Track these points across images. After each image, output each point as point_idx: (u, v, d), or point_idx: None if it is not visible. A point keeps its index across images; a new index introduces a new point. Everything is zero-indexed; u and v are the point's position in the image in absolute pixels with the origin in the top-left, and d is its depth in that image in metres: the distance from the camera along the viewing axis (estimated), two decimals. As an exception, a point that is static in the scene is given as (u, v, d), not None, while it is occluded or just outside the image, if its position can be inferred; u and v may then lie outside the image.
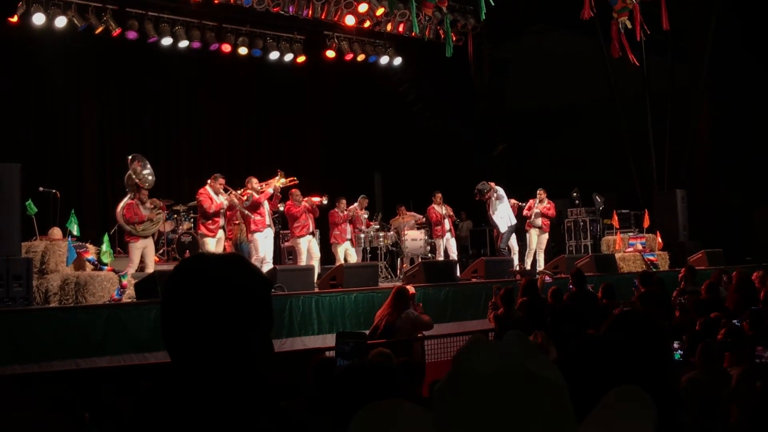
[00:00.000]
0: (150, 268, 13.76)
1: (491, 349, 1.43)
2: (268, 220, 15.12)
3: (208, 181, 14.94)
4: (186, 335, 1.78)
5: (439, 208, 18.04)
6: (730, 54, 22.07)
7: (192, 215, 17.05)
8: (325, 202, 16.76)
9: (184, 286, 1.83)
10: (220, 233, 14.74)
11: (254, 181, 15.45)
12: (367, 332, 10.43)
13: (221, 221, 14.68)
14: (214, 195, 14.64)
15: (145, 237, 14.17)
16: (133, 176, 14.45)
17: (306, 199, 16.34)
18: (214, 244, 14.58)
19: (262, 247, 15.06)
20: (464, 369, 1.41)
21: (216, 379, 1.75)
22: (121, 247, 16.20)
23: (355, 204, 17.92)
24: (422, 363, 8.64)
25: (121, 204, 14.22)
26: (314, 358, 6.64)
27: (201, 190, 14.76)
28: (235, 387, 1.75)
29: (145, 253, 14.12)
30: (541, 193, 18.75)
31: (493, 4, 14.33)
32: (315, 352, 9.73)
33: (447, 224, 18.08)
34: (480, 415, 1.37)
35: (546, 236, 18.80)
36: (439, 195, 18.16)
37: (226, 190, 14.93)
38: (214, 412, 1.71)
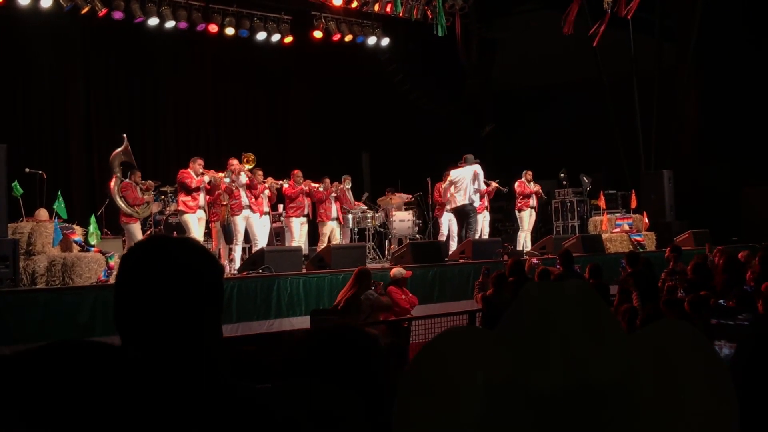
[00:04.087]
0: None
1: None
2: (245, 201, 15.11)
3: (189, 164, 15.10)
4: (136, 318, 1.79)
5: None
6: (717, 32, 22.08)
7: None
8: (321, 188, 16.86)
9: (135, 268, 1.84)
10: (201, 213, 14.86)
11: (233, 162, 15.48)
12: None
13: (201, 200, 14.82)
14: (195, 175, 14.79)
15: (140, 219, 14.90)
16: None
17: (306, 182, 16.44)
18: (195, 221, 14.73)
19: (241, 230, 15.20)
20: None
21: (166, 361, 1.75)
22: (109, 228, 16.22)
23: (343, 183, 17.94)
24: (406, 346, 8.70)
25: (115, 184, 14.57)
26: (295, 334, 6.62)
27: (182, 171, 14.95)
28: (185, 369, 1.75)
29: (137, 235, 14.63)
30: (529, 173, 18.88)
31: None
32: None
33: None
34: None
35: (535, 215, 19.03)
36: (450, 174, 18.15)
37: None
38: (164, 394, 1.71)
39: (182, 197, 14.73)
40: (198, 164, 14.89)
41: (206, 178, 14.82)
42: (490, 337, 1.42)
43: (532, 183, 18.87)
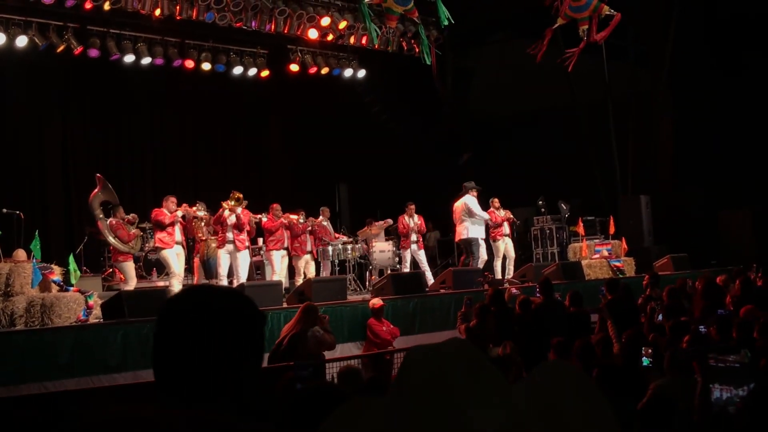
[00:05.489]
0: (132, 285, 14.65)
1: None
2: (229, 236, 15.22)
3: (162, 202, 15.23)
4: (180, 362, 1.84)
5: (409, 220, 17.94)
6: (691, 57, 22.30)
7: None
8: (301, 221, 16.84)
9: (185, 315, 1.89)
10: (178, 248, 14.91)
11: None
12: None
13: (177, 235, 14.89)
14: (168, 212, 14.93)
15: (134, 254, 15.31)
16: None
17: (285, 215, 16.45)
18: (174, 256, 14.78)
19: (224, 264, 15.41)
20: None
21: (205, 407, 1.78)
22: (88, 266, 16.18)
23: (321, 217, 17.92)
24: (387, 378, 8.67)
25: (103, 226, 14.75)
26: (282, 377, 6.62)
27: (155, 210, 15.13)
28: (222, 415, 1.77)
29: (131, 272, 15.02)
30: (496, 201, 18.73)
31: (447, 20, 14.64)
32: (283, 369, 9.69)
33: (413, 236, 17.96)
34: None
35: (512, 243, 18.92)
36: (412, 206, 18.06)
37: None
38: None
39: (158, 234, 14.88)
40: (171, 202, 15.04)
41: (179, 213, 15.00)
42: (382, 407, 1.46)
43: (501, 210, 18.64)
